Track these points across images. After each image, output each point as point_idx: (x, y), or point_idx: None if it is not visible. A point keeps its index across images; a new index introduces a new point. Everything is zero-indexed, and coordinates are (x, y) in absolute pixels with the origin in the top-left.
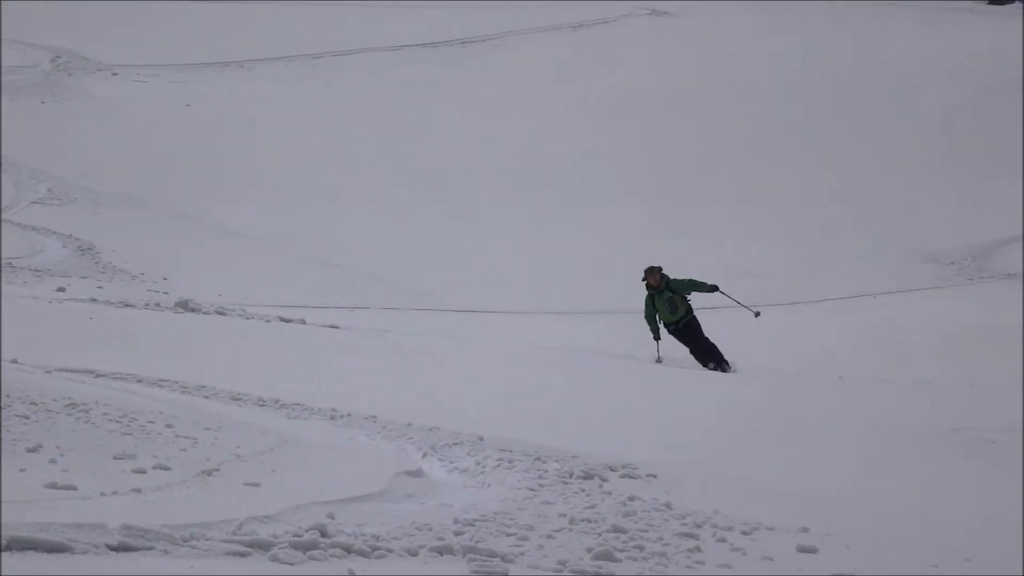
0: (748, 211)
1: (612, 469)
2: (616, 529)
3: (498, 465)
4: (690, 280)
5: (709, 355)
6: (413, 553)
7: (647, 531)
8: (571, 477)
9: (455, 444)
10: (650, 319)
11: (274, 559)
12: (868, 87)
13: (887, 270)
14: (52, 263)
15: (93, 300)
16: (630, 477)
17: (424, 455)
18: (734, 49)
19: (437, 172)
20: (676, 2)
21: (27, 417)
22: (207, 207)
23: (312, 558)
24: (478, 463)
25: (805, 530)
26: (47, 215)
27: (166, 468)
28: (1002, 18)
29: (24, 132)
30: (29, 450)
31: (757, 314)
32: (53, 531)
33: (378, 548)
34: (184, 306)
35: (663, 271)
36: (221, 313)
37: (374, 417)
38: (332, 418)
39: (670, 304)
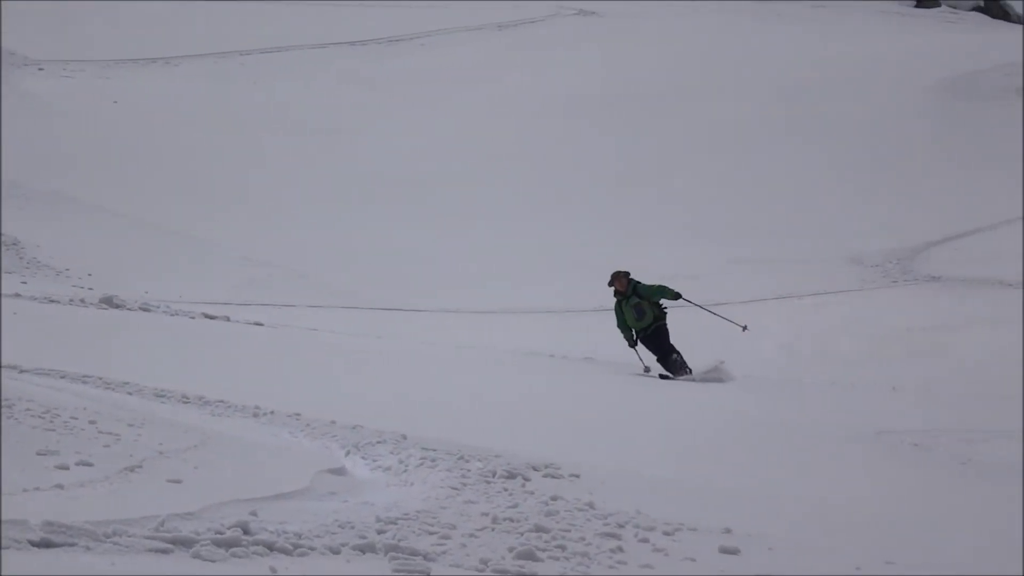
0: (674, 213)
1: (535, 469)
2: (538, 528)
3: (421, 464)
4: (660, 286)
5: (669, 364)
6: (335, 551)
7: (569, 531)
8: (494, 476)
9: (378, 442)
10: (621, 326)
11: (196, 556)
12: (793, 90)
13: (812, 272)
14: None
15: (17, 295)
16: (553, 477)
17: (347, 453)
18: (659, 50)
19: (362, 171)
20: (603, 3)
21: None
22: (133, 203)
23: (234, 555)
24: (401, 461)
25: (728, 531)
26: None
27: (89, 464)
28: (929, 21)
29: None
30: None
31: (744, 328)
32: None
33: (300, 546)
34: (109, 302)
35: (631, 276)
36: (146, 309)
37: (297, 415)
38: (255, 415)
39: (637, 310)
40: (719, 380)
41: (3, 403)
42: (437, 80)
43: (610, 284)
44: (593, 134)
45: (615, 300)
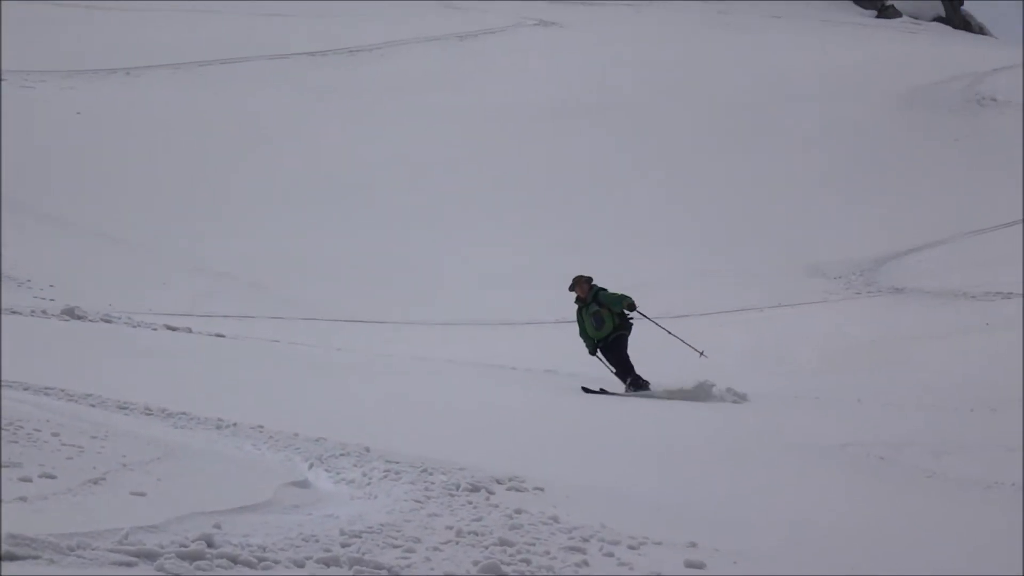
0: (635, 223)
1: (499, 482)
2: (503, 542)
3: (385, 476)
4: (620, 295)
5: (623, 375)
6: (300, 564)
7: (534, 544)
8: (458, 489)
9: (341, 455)
10: (582, 334)
11: (160, 569)
12: (756, 100)
13: (774, 284)
14: None
15: None
16: (517, 490)
17: (310, 466)
18: (621, 61)
19: (322, 181)
20: (564, 13)
21: None
22: (94, 215)
23: (199, 568)
24: (364, 474)
25: (693, 545)
26: None
27: (52, 477)
28: (889, 31)
29: None
30: None
31: (702, 354)
32: None
33: (264, 559)
34: (70, 313)
35: (593, 282)
36: (107, 321)
37: (260, 427)
38: (218, 427)
39: (595, 319)
40: (705, 399)
41: None
42: (397, 89)
43: (571, 289)
44: (554, 144)
45: (576, 307)
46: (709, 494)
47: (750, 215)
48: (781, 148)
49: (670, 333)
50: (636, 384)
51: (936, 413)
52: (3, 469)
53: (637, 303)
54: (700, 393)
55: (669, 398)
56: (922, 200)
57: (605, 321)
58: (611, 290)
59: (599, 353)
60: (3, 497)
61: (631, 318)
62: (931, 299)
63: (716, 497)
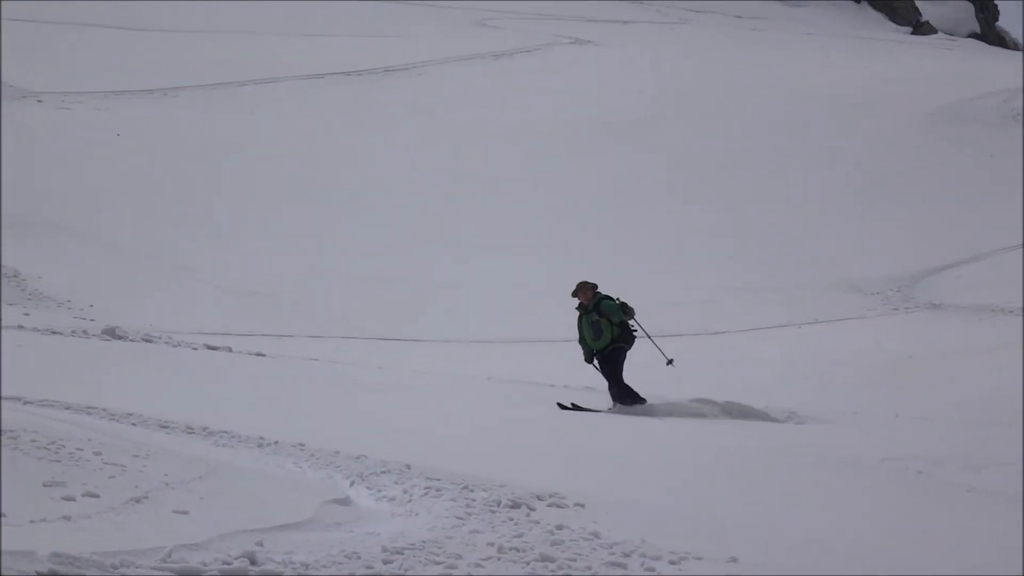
0: (671, 241)
1: (540, 498)
2: (544, 558)
3: (425, 493)
4: (621, 304)
5: (617, 392)
6: None
7: (575, 560)
8: (499, 506)
9: (382, 472)
10: (581, 341)
11: None
12: (791, 116)
13: (812, 300)
14: None
15: (20, 327)
16: (558, 506)
17: (352, 483)
18: (656, 77)
19: (360, 200)
20: (599, 31)
21: None
22: (133, 235)
23: None
24: (405, 491)
25: (734, 560)
26: None
27: (95, 495)
28: (924, 47)
29: None
30: None
31: (670, 362)
32: None
33: None
34: (111, 333)
35: (598, 289)
36: (148, 340)
37: (302, 445)
38: (260, 446)
39: (594, 328)
40: (700, 415)
41: (8, 435)
42: (432, 109)
43: (573, 295)
44: (590, 162)
45: (577, 313)
46: (749, 509)
47: (787, 231)
48: (816, 164)
49: (649, 337)
50: (625, 399)
51: (974, 428)
52: (47, 488)
53: (633, 312)
54: (700, 409)
55: (670, 414)
56: (959, 216)
57: (603, 331)
58: (615, 298)
59: (595, 363)
60: (47, 516)
61: (635, 330)
62: (968, 314)
63: (756, 512)
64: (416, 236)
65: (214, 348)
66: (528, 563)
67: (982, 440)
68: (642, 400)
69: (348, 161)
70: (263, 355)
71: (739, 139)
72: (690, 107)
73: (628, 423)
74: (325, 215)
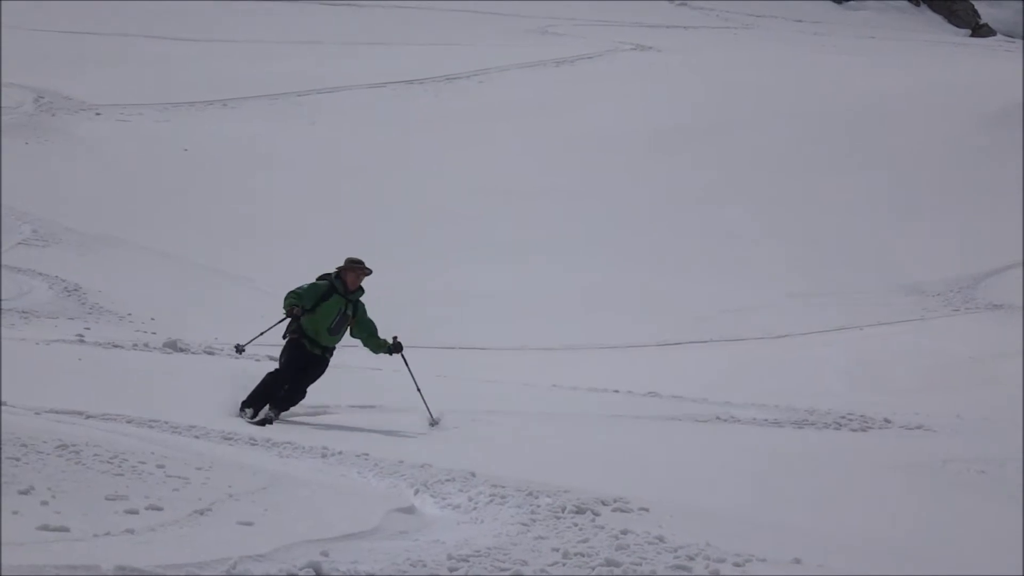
0: (733, 246)
1: (604, 503)
2: (609, 563)
3: (490, 501)
4: (375, 332)
5: (281, 400)
6: None
7: (640, 564)
8: (563, 512)
9: (447, 480)
10: (298, 299)
11: None
12: (850, 121)
13: (872, 303)
14: (39, 304)
15: (81, 340)
16: (622, 511)
17: (416, 492)
18: (716, 83)
19: (422, 209)
20: (660, 38)
21: (18, 459)
22: (194, 247)
23: None
24: (470, 499)
25: (797, 562)
26: (32, 256)
27: (158, 508)
28: (984, 50)
29: (8, 173)
30: (21, 492)
31: (434, 423)
32: (47, 573)
33: None
34: (172, 346)
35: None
36: (210, 353)
37: (366, 455)
38: (323, 456)
39: (340, 321)
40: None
41: (71, 449)
42: (495, 116)
43: (337, 275)
44: (651, 168)
45: (323, 284)
46: (811, 512)
47: (847, 235)
48: (877, 167)
49: (418, 390)
50: (285, 405)
51: None
52: (110, 501)
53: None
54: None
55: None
56: (1018, 217)
57: (340, 333)
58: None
59: (290, 336)
60: (111, 530)
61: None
62: None
63: (817, 515)
64: (480, 245)
65: (238, 345)
66: (593, 568)
67: None
68: (271, 419)
69: (410, 171)
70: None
71: (798, 143)
72: (748, 112)
73: (689, 429)
74: (387, 226)
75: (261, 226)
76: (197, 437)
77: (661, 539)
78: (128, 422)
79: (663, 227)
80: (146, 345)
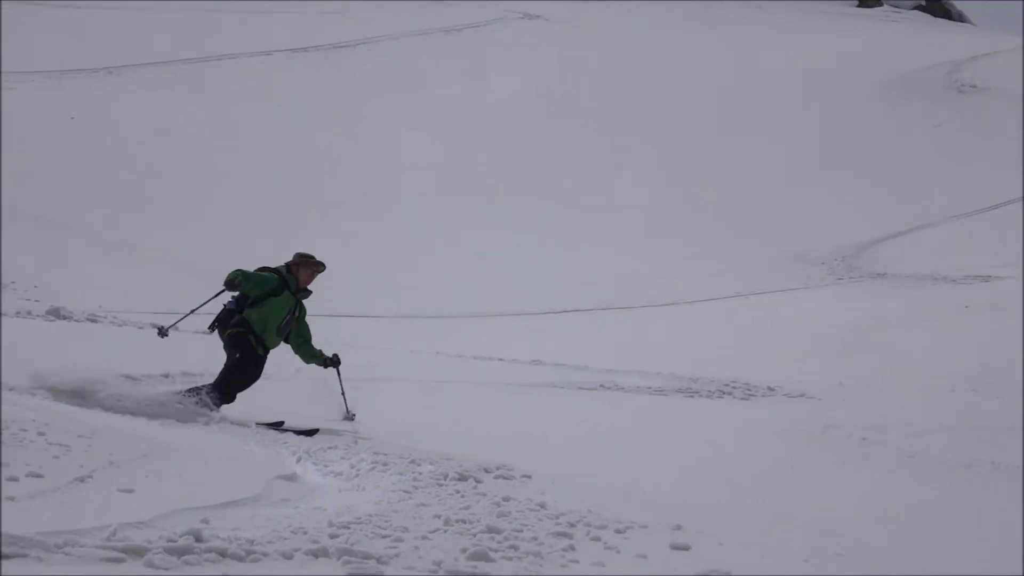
0: (621, 216)
1: (487, 471)
2: (491, 529)
3: (373, 468)
4: (310, 333)
5: (223, 386)
6: (288, 556)
7: (522, 531)
8: (446, 479)
9: (329, 448)
10: (245, 280)
11: (149, 565)
12: (739, 93)
13: (758, 272)
14: None
15: None
16: (505, 478)
17: (298, 459)
18: (604, 53)
19: (305, 178)
20: (548, 7)
21: None
22: (79, 215)
23: (187, 563)
24: (353, 466)
25: (678, 528)
26: None
27: (39, 476)
28: (871, 20)
29: None
30: None
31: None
32: None
33: (253, 552)
34: (56, 314)
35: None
36: (93, 320)
37: (249, 424)
38: (206, 424)
39: (287, 323)
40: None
41: None
42: (383, 85)
43: (292, 265)
44: (538, 137)
45: (271, 277)
46: (694, 480)
47: (734, 205)
48: (764, 139)
49: (342, 392)
50: (226, 396)
51: (917, 395)
52: None
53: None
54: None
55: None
56: (903, 186)
57: (284, 336)
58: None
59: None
60: None
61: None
62: (912, 283)
63: (700, 482)
64: (364, 213)
65: (160, 327)
66: (475, 535)
67: (925, 407)
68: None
69: (297, 140)
70: (209, 332)
71: (685, 114)
72: (636, 83)
73: (576, 399)
74: (273, 193)
75: (148, 194)
76: (79, 405)
77: (543, 506)
78: (10, 390)
79: (550, 197)
80: (29, 313)
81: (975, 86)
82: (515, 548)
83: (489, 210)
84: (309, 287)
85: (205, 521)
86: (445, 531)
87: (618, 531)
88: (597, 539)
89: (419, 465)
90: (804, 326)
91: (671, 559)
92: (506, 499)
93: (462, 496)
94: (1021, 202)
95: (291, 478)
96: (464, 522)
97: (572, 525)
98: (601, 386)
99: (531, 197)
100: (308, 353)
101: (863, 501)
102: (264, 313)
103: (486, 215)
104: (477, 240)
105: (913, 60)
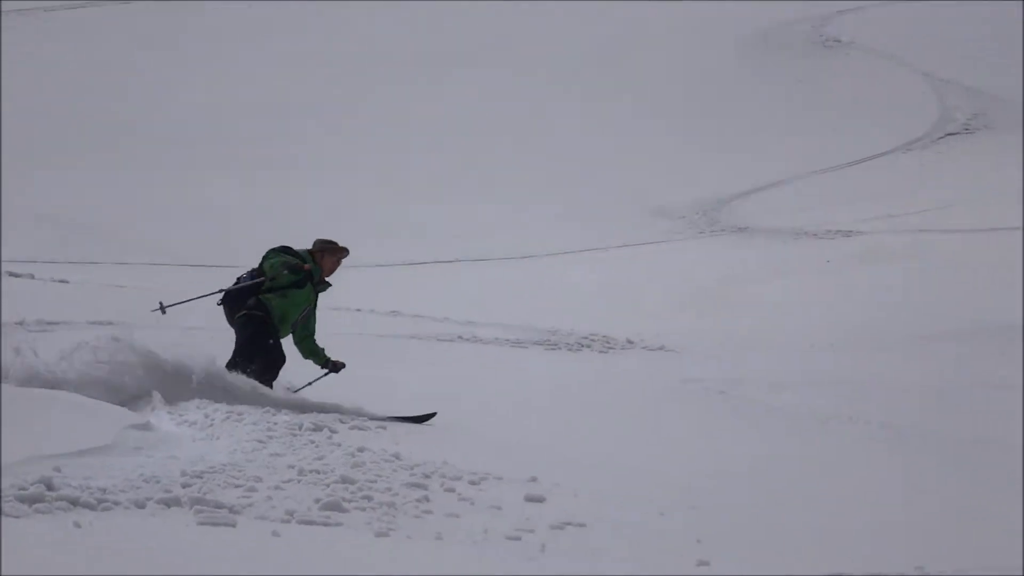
0: (482, 168)
1: (342, 421)
2: (345, 480)
3: (227, 418)
4: (315, 330)
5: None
6: (140, 505)
7: (376, 481)
8: (300, 429)
9: (183, 399)
10: (292, 273)
11: None
12: (598, 47)
13: (619, 224)
14: None
15: None
16: (360, 429)
17: (152, 409)
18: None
19: (167, 129)
20: None
21: None
22: None
23: (38, 511)
24: (207, 416)
25: (533, 479)
26: None
27: None
28: None
29: None
30: None
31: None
32: None
33: (104, 500)
34: None
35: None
36: None
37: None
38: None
39: (304, 318)
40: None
41: None
42: (232, 36)
43: (309, 260)
44: (393, 94)
45: (302, 273)
46: (550, 433)
47: (594, 158)
48: (624, 92)
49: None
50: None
51: (776, 350)
52: None
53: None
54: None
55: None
56: (765, 141)
57: (293, 325)
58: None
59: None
60: None
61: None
62: (774, 238)
63: (556, 436)
64: (225, 164)
65: (16, 275)
66: (328, 485)
67: (784, 362)
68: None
69: (156, 89)
70: (66, 282)
71: (543, 70)
72: (491, 40)
73: (438, 352)
74: (133, 144)
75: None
76: None
77: (397, 456)
78: None
79: (409, 151)
80: None
81: (840, 40)
82: (369, 499)
83: (346, 160)
84: (329, 279)
85: (57, 469)
86: (299, 481)
87: (472, 482)
88: (451, 490)
89: (274, 415)
90: (665, 280)
91: (526, 510)
92: (360, 449)
93: (316, 446)
94: (885, 156)
95: (144, 427)
96: (318, 472)
97: (427, 476)
98: (459, 337)
99: (385, 150)
100: (309, 349)
101: (719, 454)
102: (286, 304)
103: (342, 165)
104: (333, 191)
105: (778, 14)
